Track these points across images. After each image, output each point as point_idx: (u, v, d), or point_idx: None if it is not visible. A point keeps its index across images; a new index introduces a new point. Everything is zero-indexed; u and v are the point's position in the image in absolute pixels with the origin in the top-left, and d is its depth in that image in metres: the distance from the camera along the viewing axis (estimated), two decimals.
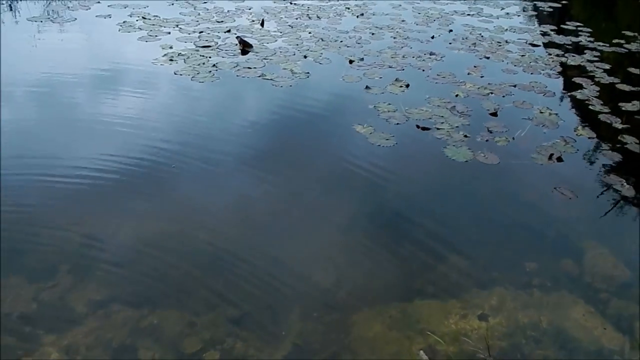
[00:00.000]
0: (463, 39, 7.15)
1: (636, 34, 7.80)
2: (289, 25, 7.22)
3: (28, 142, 4.29)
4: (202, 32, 6.72)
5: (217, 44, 6.38)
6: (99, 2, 7.66)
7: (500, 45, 6.99)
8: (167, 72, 5.58)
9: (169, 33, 6.63)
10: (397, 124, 4.82)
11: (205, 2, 8.01)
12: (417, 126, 4.81)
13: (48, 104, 4.99)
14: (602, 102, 5.45)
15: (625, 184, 4.18)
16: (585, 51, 6.98)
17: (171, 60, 5.84)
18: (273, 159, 4.39)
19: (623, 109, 5.36)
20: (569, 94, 5.72)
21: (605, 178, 4.28)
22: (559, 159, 4.42)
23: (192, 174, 4.03)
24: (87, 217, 3.48)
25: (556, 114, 5.16)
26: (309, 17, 7.64)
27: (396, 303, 3.02)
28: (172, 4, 7.80)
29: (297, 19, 7.54)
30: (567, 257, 3.44)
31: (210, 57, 5.97)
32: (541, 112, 5.18)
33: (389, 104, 5.14)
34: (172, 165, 4.07)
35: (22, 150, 4.13)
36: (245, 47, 6.27)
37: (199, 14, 7.42)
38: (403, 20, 7.80)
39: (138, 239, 3.32)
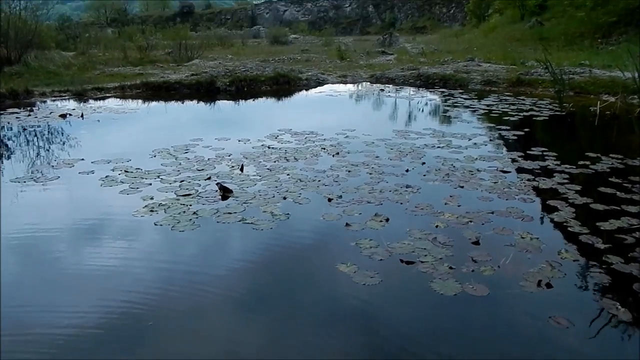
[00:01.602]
0: (436, 170, 7.42)
1: (598, 154, 8.20)
2: (268, 169, 7.45)
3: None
4: (182, 181, 6.88)
5: (198, 191, 6.49)
6: (82, 159, 7.92)
7: (472, 174, 7.24)
8: (147, 223, 5.57)
9: (150, 184, 6.76)
10: (381, 259, 4.76)
11: (186, 152, 8.34)
12: (401, 260, 4.74)
13: (24, 256, 4.86)
14: (580, 223, 5.51)
15: (619, 306, 4.05)
16: (554, 174, 7.26)
17: (152, 211, 5.87)
18: (256, 305, 4.21)
19: (602, 228, 5.42)
20: (546, 217, 5.81)
21: (599, 302, 4.16)
22: (548, 285, 4.33)
23: (171, 328, 3.82)
24: None
25: (537, 238, 5.17)
26: (287, 160, 7.93)
27: None
28: (154, 156, 8.08)
29: (275, 162, 7.83)
30: None
31: (190, 206, 6.02)
32: (522, 238, 5.19)
33: (371, 239, 5.13)
34: (149, 323, 3.87)
35: None
36: (225, 193, 6.39)
37: (180, 164, 7.66)
38: (377, 157, 8.15)
39: None
